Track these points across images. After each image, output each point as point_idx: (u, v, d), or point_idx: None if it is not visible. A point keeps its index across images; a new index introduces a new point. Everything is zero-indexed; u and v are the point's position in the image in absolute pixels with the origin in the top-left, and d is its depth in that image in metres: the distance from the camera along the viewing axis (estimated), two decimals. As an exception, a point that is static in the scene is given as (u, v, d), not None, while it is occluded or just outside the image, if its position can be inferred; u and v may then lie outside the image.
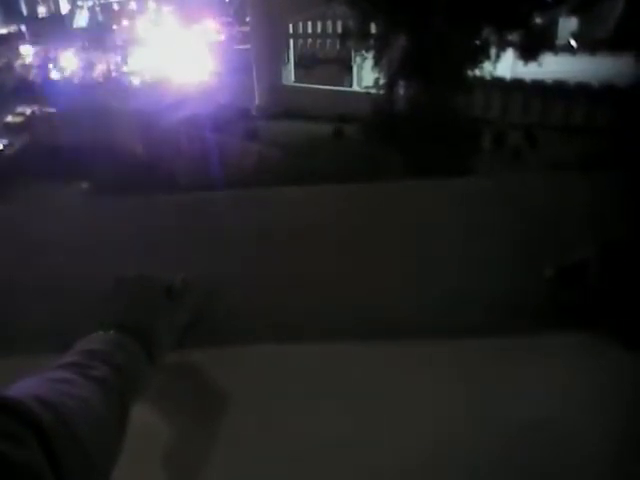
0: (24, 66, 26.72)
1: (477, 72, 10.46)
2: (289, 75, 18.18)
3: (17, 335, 0.64)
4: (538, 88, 13.52)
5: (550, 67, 11.86)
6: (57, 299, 0.68)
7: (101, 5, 33.34)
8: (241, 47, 23.77)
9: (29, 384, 0.44)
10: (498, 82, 12.51)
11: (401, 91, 10.92)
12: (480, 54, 10.27)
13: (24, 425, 0.37)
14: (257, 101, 17.72)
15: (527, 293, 0.65)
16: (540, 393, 0.64)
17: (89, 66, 25.76)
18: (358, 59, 13.12)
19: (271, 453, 0.68)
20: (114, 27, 30.72)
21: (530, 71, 11.90)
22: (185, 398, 0.66)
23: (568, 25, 14.89)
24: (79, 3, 33.06)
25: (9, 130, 18.78)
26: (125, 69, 25.50)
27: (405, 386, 0.65)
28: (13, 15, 31.83)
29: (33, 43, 28.11)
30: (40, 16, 32.62)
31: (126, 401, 0.49)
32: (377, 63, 11.07)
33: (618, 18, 12.35)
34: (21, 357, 0.61)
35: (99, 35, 28.71)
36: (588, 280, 0.59)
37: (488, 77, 10.81)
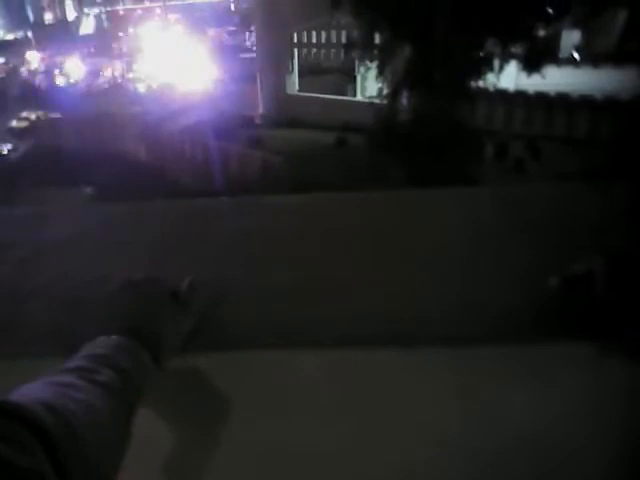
0: (30, 72, 26.95)
1: (481, 83, 10.52)
2: (293, 84, 18.28)
3: (22, 338, 0.64)
4: (541, 100, 13.59)
5: (553, 79, 11.92)
6: (62, 302, 0.68)
7: (107, 12, 33.67)
8: (246, 56, 23.93)
9: (33, 388, 0.44)
10: (502, 93, 12.58)
11: (404, 101, 10.98)
12: (484, 65, 10.33)
13: (29, 430, 0.36)
14: (261, 109, 17.82)
15: (530, 302, 0.65)
16: (542, 402, 0.64)
17: (94, 72, 25.97)
18: (362, 69, 13.21)
19: (274, 458, 0.67)
20: (120, 34, 30.99)
21: (534, 83, 11.97)
22: (188, 403, 0.66)
23: (571, 38, 14.99)
24: (85, 10, 33.40)
25: (14, 135, 18.90)
26: (130, 76, 25.69)
27: (407, 394, 0.65)
28: (19, 21, 32.14)
29: (39, 49, 28.36)
30: (46, 22, 32.94)
31: (130, 406, 0.49)
32: (381, 73, 11.14)
33: (620, 31, 12.43)
34: (25, 360, 0.61)
35: (105, 42, 28.97)
36: (593, 290, 0.59)
37: (492, 88, 10.87)
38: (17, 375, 0.46)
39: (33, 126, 19.15)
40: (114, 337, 0.52)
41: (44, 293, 0.70)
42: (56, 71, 26.23)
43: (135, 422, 0.50)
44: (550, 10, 10.49)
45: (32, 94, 23.08)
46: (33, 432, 0.36)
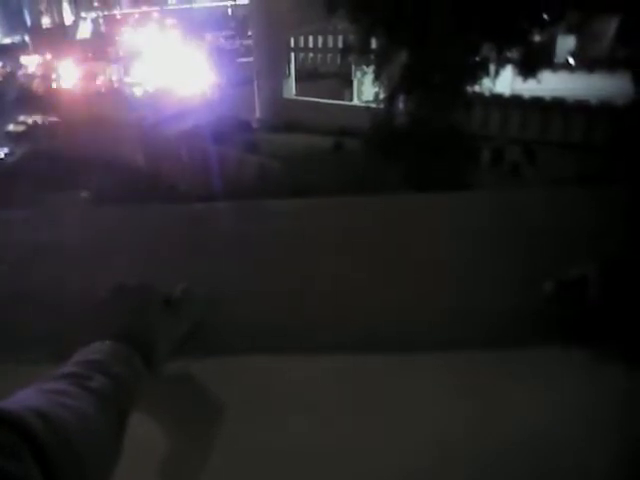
0: (27, 76, 26.90)
1: (477, 88, 10.55)
2: (290, 88, 18.31)
3: (15, 344, 0.64)
4: (537, 105, 13.65)
5: (549, 84, 11.98)
6: (56, 308, 0.68)
7: (104, 17, 33.72)
8: (243, 60, 23.98)
9: (25, 395, 0.44)
10: (497, 98, 12.62)
11: (401, 106, 11.01)
12: (480, 70, 10.37)
13: (18, 437, 0.36)
14: (258, 114, 17.83)
15: (525, 308, 0.65)
16: (538, 406, 0.64)
17: (91, 76, 25.95)
18: (358, 73, 13.22)
19: (269, 464, 0.67)
20: (117, 38, 31.01)
21: (529, 88, 12.02)
22: (181, 409, 0.66)
23: (566, 43, 15.08)
24: (83, 14, 33.43)
25: (11, 139, 18.85)
26: (127, 80, 25.68)
27: (405, 397, 0.65)
28: (17, 25, 32.15)
29: (36, 53, 28.32)
30: (44, 27, 32.95)
31: (123, 412, 0.49)
32: (377, 78, 11.16)
33: (614, 37, 12.53)
34: (18, 366, 0.60)
35: (102, 46, 28.98)
36: (587, 295, 0.59)
37: (487, 93, 10.91)
38: (10, 381, 0.46)
39: (30, 130, 19.12)
40: (107, 343, 0.52)
41: (37, 298, 0.70)
42: (53, 75, 26.19)
43: (130, 426, 0.50)
44: (545, 15, 10.55)
45: (29, 98, 23.05)
46: (22, 438, 0.36)
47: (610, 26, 12.62)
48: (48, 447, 0.38)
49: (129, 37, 30.83)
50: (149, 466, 0.64)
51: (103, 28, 33.06)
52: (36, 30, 31.85)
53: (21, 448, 0.36)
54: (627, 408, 0.63)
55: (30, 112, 20.31)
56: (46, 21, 33.33)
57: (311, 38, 18.17)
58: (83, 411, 0.44)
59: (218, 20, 32.20)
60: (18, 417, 0.38)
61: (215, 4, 33.94)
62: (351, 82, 15.87)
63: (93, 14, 33.71)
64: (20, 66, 27.80)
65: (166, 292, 0.60)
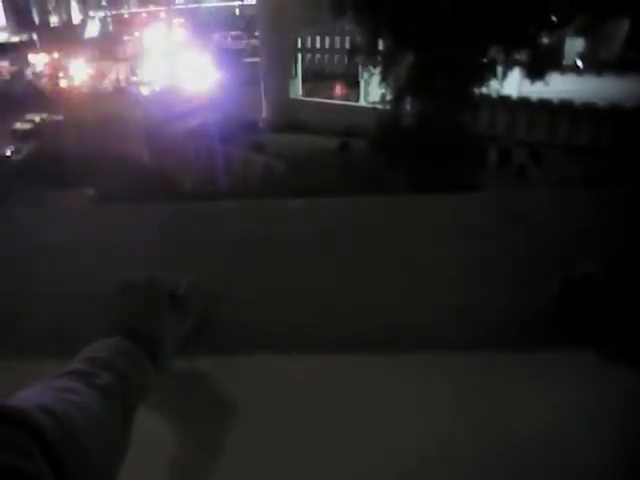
0: (34, 74, 27.05)
1: (484, 90, 10.52)
2: (297, 89, 18.32)
3: (21, 340, 0.65)
4: (544, 107, 13.59)
5: (556, 86, 11.92)
6: (61, 305, 0.69)
7: (112, 16, 33.89)
8: (250, 60, 24.02)
9: (33, 392, 0.44)
10: (505, 100, 12.58)
11: (407, 107, 10.99)
12: (487, 72, 10.34)
13: (26, 434, 0.36)
14: (264, 114, 17.84)
15: (529, 308, 0.65)
16: (540, 407, 0.64)
17: (99, 75, 26.07)
18: (365, 74, 13.20)
19: (271, 461, 0.68)
20: (125, 37, 31.16)
21: (536, 90, 11.97)
22: (187, 406, 0.66)
23: (575, 45, 15.02)
24: (91, 13, 33.61)
25: (17, 136, 18.94)
26: (134, 79, 25.79)
27: (404, 399, 0.65)
28: (25, 24, 32.30)
29: (44, 52, 28.47)
30: (52, 25, 33.12)
31: (129, 409, 0.49)
32: (384, 79, 11.15)
33: (624, 40, 12.48)
34: (25, 363, 0.61)
35: (110, 45, 29.13)
36: (593, 294, 0.59)
37: (495, 95, 10.87)
38: (15, 378, 0.46)
39: (37, 128, 19.20)
40: (112, 339, 0.52)
41: (43, 295, 0.71)
42: (61, 74, 26.32)
43: (137, 422, 0.50)
44: (554, 18, 10.50)
45: (36, 96, 23.17)
46: (31, 436, 0.36)
47: (619, 29, 12.56)
48: (56, 443, 0.38)
49: (136, 36, 30.94)
50: (156, 461, 0.65)
51: (111, 27, 33.21)
52: (44, 29, 31.99)
53: (31, 445, 0.36)
54: (631, 408, 0.63)
55: (37, 110, 20.39)
56: (54, 20, 33.49)
57: (318, 39, 18.16)
58: (89, 407, 0.44)
59: (225, 20, 32.26)
60: (26, 414, 0.38)
61: (223, 4, 34.00)
62: (358, 83, 15.85)
63: (101, 13, 33.88)
64: (28, 64, 27.94)
65: (171, 287, 0.61)
